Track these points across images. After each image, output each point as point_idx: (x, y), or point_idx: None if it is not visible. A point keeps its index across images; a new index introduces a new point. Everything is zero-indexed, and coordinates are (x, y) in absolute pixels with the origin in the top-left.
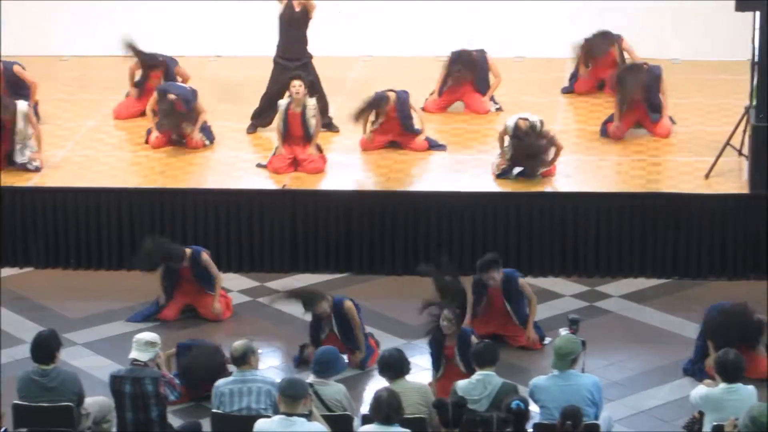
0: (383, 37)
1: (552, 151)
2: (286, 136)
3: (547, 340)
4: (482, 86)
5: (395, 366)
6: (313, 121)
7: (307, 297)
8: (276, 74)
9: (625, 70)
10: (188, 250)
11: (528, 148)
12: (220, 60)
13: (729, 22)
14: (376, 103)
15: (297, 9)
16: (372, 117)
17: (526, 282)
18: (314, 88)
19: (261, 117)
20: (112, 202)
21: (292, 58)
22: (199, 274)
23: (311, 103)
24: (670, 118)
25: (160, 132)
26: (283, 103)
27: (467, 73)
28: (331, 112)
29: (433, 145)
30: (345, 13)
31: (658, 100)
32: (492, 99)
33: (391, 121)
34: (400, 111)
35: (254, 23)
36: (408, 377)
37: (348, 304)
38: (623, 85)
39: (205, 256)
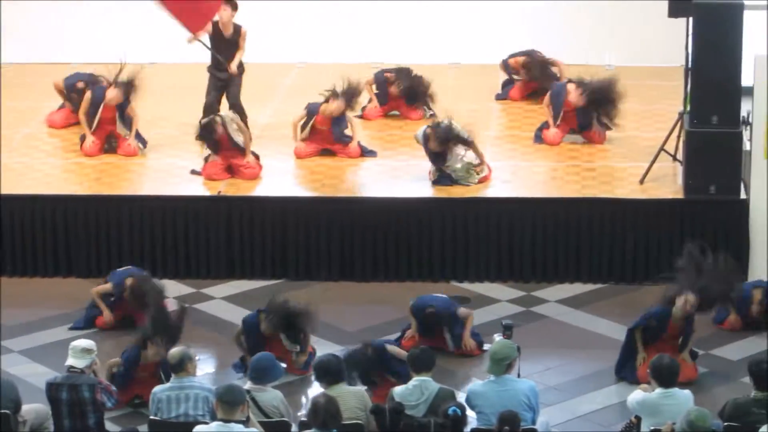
0: (318, 44)
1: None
2: (218, 148)
3: (486, 346)
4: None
5: (333, 372)
6: (238, 135)
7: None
8: (209, 85)
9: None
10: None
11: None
12: (154, 67)
13: (662, 28)
14: (310, 114)
15: (226, 35)
16: (301, 126)
17: (463, 309)
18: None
19: (205, 131)
20: (47, 209)
21: (222, 70)
22: None
23: (229, 117)
24: (605, 125)
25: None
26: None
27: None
28: (266, 119)
29: (365, 152)
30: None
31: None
32: (426, 105)
33: (322, 131)
34: (331, 121)
35: (183, 32)
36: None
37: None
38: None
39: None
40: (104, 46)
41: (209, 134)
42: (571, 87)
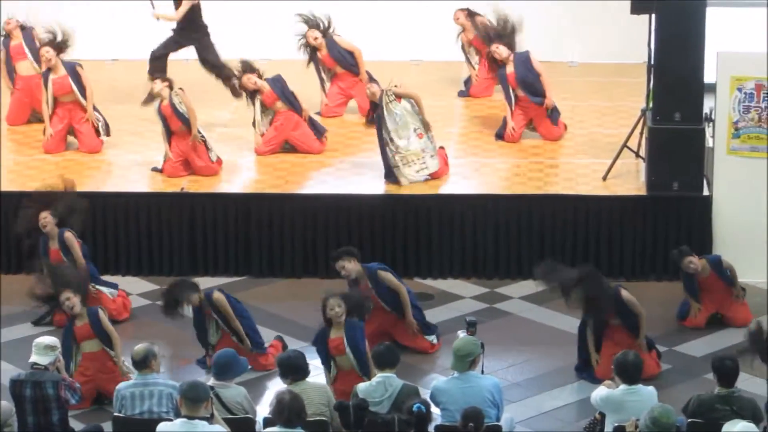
0: (279, 41)
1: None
2: (170, 134)
3: (433, 338)
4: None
5: (298, 368)
6: (183, 108)
7: (174, 292)
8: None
9: None
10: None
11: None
12: (117, 63)
13: (625, 25)
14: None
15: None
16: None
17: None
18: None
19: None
20: (9, 206)
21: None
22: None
23: (176, 94)
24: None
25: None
26: (155, 105)
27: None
28: (228, 116)
29: (317, 129)
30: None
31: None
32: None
33: (283, 125)
34: (282, 96)
35: (149, 26)
36: (308, 378)
37: (216, 295)
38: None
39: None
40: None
41: None
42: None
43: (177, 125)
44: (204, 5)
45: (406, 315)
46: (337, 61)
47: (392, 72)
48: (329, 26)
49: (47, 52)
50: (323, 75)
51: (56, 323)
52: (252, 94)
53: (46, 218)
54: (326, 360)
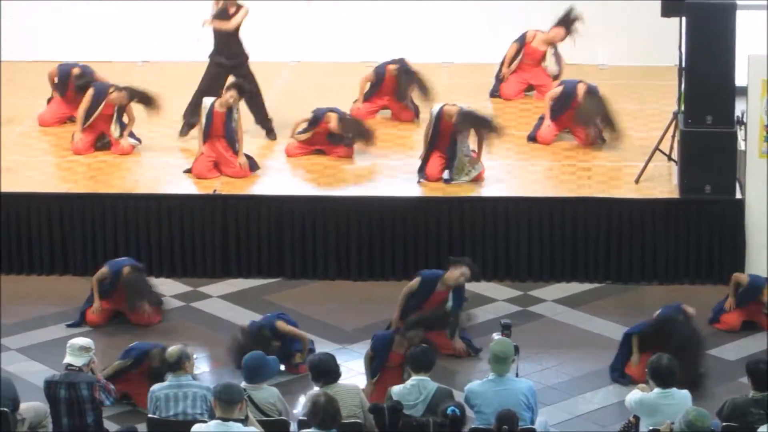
0: (311, 42)
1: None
2: (208, 135)
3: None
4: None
5: (329, 371)
6: (236, 128)
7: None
8: (209, 72)
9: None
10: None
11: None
12: (147, 65)
13: (655, 28)
14: (315, 121)
15: (230, 12)
16: (301, 127)
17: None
18: (250, 94)
19: (192, 114)
20: (42, 207)
21: (227, 57)
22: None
23: (237, 110)
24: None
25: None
26: (208, 100)
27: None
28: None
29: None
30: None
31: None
32: (412, 103)
33: (320, 135)
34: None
35: (181, 28)
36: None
37: (280, 324)
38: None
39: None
40: (97, 44)
41: None
42: (581, 89)
43: (220, 132)
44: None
45: (454, 339)
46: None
47: (431, 74)
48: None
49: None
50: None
51: (89, 323)
52: None
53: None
54: (379, 369)
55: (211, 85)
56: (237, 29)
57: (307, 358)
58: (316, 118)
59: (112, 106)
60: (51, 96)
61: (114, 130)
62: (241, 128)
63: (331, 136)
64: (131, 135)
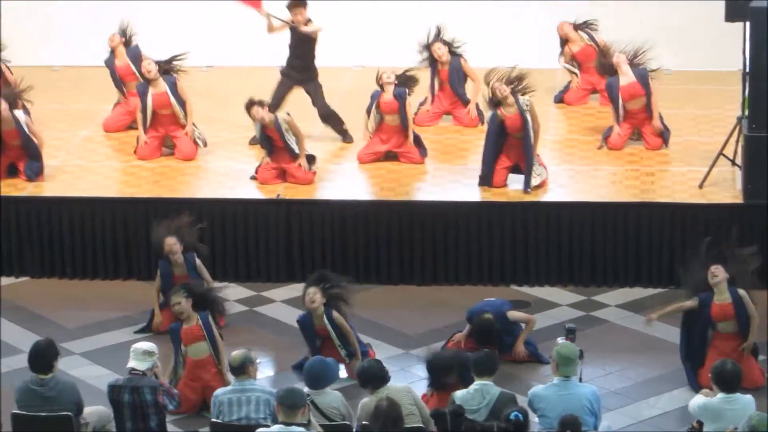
0: (374, 47)
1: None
2: (272, 148)
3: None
4: (461, 93)
5: (376, 377)
6: (289, 135)
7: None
8: (279, 84)
9: None
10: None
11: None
12: (212, 70)
13: (719, 32)
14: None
15: (302, 31)
16: (372, 123)
17: (516, 313)
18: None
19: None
20: (106, 211)
21: (297, 70)
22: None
23: (281, 117)
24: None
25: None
26: (257, 128)
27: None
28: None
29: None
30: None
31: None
32: (477, 108)
33: (389, 126)
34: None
35: (245, 33)
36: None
37: (336, 314)
38: None
39: (199, 261)
40: (162, 49)
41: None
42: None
43: (281, 144)
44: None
45: (518, 342)
46: (451, 83)
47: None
48: (458, 46)
49: (149, 65)
50: (435, 84)
51: (155, 328)
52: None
53: (174, 245)
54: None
55: (279, 98)
56: (314, 39)
57: (355, 367)
58: (373, 98)
59: (162, 94)
60: (117, 101)
61: (178, 112)
62: (302, 138)
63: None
64: (203, 141)
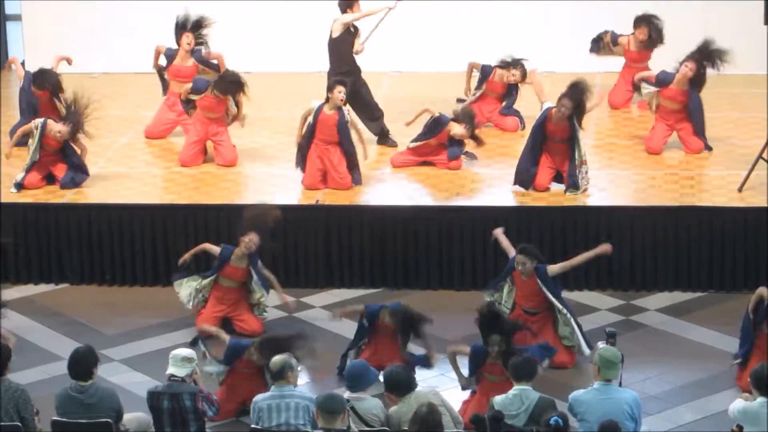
0: (411, 52)
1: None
2: (313, 138)
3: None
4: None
5: (403, 383)
6: (351, 130)
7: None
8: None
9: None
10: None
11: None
12: (249, 76)
13: (758, 36)
14: (435, 128)
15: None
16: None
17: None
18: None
19: None
20: (146, 218)
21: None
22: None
23: (348, 109)
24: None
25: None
26: (316, 102)
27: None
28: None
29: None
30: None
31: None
32: (518, 114)
33: (433, 145)
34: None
35: (284, 39)
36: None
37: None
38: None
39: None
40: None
41: None
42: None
43: (327, 137)
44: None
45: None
46: (501, 95)
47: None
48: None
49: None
50: (477, 91)
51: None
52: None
53: (253, 244)
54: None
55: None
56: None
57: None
58: (439, 124)
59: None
60: (163, 95)
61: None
62: (359, 133)
63: (450, 141)
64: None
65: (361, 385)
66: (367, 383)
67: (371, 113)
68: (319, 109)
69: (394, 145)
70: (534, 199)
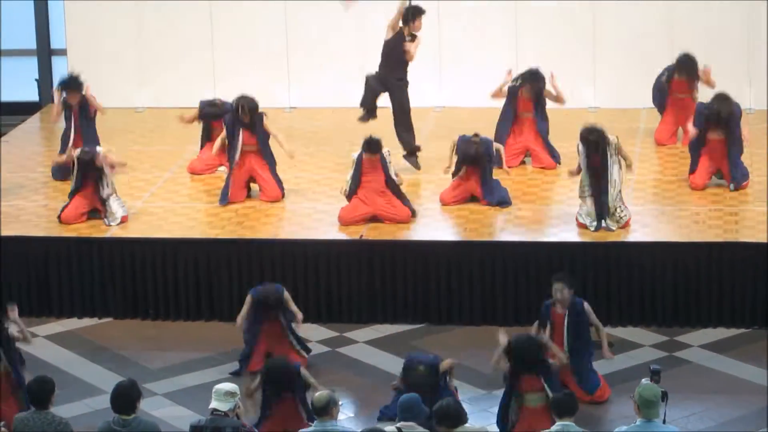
0: (455, 88)
1: None
2: (358, 182)
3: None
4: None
5: (453, 416)
6: (392, 168)
7: None
8: (372, 83)
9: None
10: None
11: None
12: (295, 111)
13: None
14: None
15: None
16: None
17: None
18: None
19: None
20: (189, 252)
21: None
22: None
23: (389, 153)
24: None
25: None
26: (355, 154)
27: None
28: (405, 163)
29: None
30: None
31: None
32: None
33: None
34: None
35: (327, 74)
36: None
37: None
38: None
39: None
40: (243, 91)
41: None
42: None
43: (372, 183)
44: None
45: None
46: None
47: (575, 119)
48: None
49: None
50: (510, 114)
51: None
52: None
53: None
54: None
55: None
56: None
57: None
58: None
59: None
60: (202, 144)
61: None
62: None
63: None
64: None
65: (413, 415)
66: (419, 414)
67: (408, 123)
68: (360, 156)
69: (417, 166)
70: (578, 235)
